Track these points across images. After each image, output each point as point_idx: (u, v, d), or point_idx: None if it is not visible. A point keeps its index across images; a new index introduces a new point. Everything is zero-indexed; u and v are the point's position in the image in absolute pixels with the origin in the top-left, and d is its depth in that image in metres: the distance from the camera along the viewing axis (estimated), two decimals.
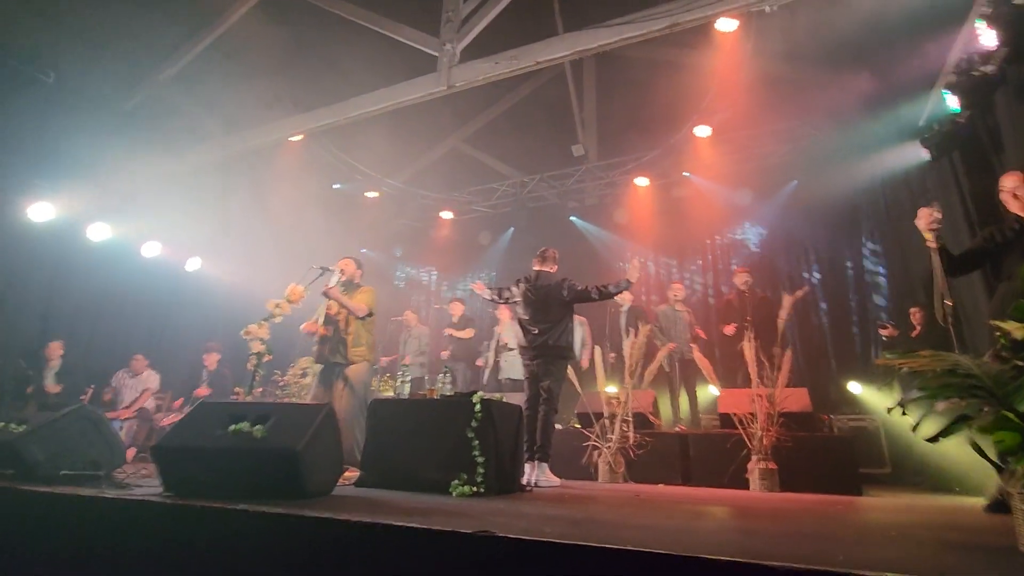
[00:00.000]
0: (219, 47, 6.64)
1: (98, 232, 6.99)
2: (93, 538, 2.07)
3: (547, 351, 4.18)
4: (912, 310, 5.96)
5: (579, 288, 4.23)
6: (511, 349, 6.33)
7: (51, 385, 6.02)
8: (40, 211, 6.30)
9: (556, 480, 4.01)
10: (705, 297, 8.54)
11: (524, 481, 3.72)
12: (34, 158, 6.18)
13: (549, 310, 4.25)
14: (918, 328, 5.80)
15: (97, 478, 2.64)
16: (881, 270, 7.32)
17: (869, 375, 6.68)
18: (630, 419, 4.75)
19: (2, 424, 3.00)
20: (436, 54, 5.65)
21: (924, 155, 6.01)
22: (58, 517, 2.19)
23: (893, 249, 7.09)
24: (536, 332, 4.22)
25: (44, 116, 6.12)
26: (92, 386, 6.25)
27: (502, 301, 4.58)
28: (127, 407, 6.36)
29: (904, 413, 1.87)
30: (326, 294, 4.40)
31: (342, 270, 4.58)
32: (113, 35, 6.15)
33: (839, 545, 1.66)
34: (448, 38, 5.58)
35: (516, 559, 1.43)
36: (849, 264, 7.60)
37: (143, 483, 2.71)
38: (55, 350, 6.19)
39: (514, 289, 4.43)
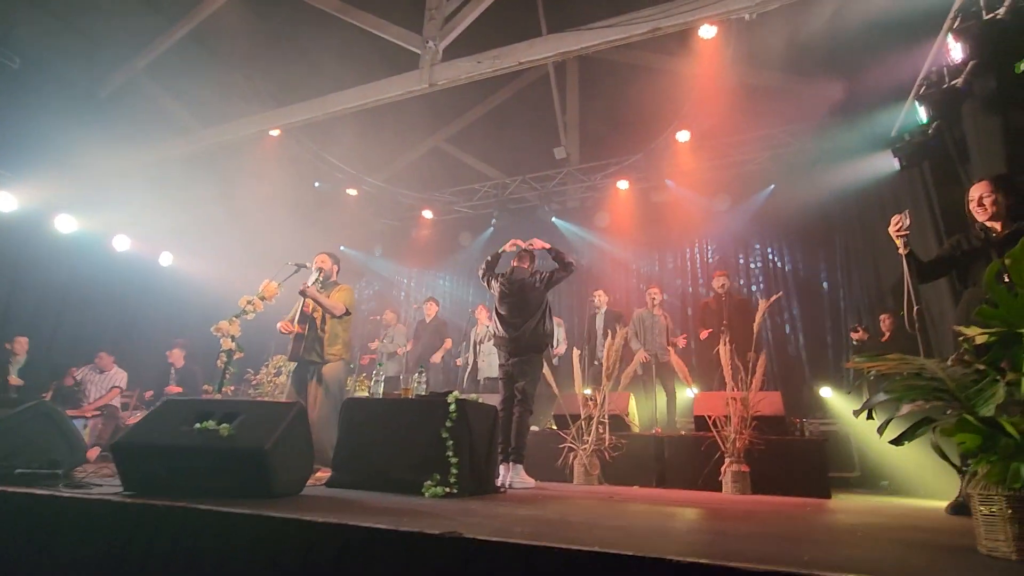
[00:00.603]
0: (197, 37, 6.49)
1: (65, 224, 6.78)
2: (48, 537, 1.99)
3: (526, 345, 4.21)
4: (882, 316, 6.09)
5: (547, 273, 4.39)
6: (489, 340, 6.34)
7: (13, 379, 5.82)
8: (3, 201, 6.09)
9: (531, 481, 4.00)
10: (684, 301, 8.61)
11: (499, 483, 3.70)
12: None
13: (526, 304, 4.30)
14: (887, 334, 5.93)
15: (55, 476, 2.54)
16: (853, 276, 7.47)
17: (840, 380, 6.81)
18: (606, 421, 4.76)
19: None
20: (419, 51, 5.62)
21: (895, 164, 6.14)
22: (11, 516, 2.10)
23: (865, 255, 7.23)
24: (516, 325, 4.26)
25: (9, 102, 5.90)
26: (55, 383, 6.06)
27: (484, 279, 4.57)
28: (92, 404, 6.18)
29: (870, 417, 1.89)
30: (303, 293, 4.30)
31: (320, 268, 4.50)
32: (87, 19, 5.97)
33: (806, 546, 1.68)
34: (431, 35, 5.55)
35: (483, 561, 1.40)
36: (822, 268, 7.76)
37: (103, 482, 2.61)
38: (22, 345, 5.99)
39: (494, 284, 4.46)
